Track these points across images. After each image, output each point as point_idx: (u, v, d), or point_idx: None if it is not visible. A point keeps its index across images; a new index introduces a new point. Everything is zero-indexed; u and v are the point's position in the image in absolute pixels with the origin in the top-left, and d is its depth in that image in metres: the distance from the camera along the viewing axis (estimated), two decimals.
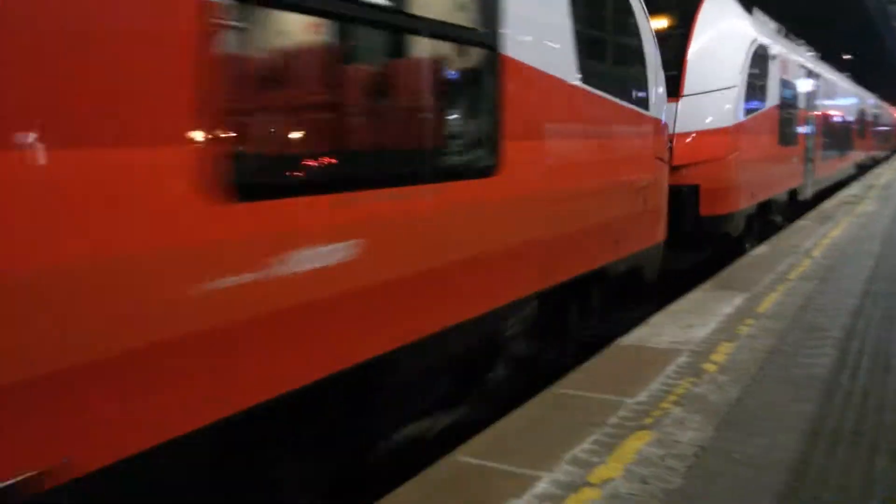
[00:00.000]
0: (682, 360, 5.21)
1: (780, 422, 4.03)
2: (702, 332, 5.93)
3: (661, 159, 7.02)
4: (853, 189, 20.98)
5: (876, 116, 32.88)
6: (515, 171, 4.34)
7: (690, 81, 9.59)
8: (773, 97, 11.93)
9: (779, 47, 12.89)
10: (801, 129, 14.52)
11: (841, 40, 35.02)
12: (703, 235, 9.54)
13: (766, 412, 4.19)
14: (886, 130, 39.57)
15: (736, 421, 4.08)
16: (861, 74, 32.25)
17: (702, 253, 10.02)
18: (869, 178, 25.84)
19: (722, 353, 5.33)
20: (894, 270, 8.28)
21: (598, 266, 5.65)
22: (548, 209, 4.85)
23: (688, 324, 6.19)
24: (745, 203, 10.23)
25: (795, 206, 14.39)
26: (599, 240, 5.70)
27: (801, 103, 14.61)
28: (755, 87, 10.82)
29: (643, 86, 6.57)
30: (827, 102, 18.54)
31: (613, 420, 4.13)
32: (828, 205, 16.46)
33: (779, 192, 12.76)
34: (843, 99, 21.98)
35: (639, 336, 5.89)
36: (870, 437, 3.81)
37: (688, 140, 9.39)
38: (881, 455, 3.59)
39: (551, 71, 4.83)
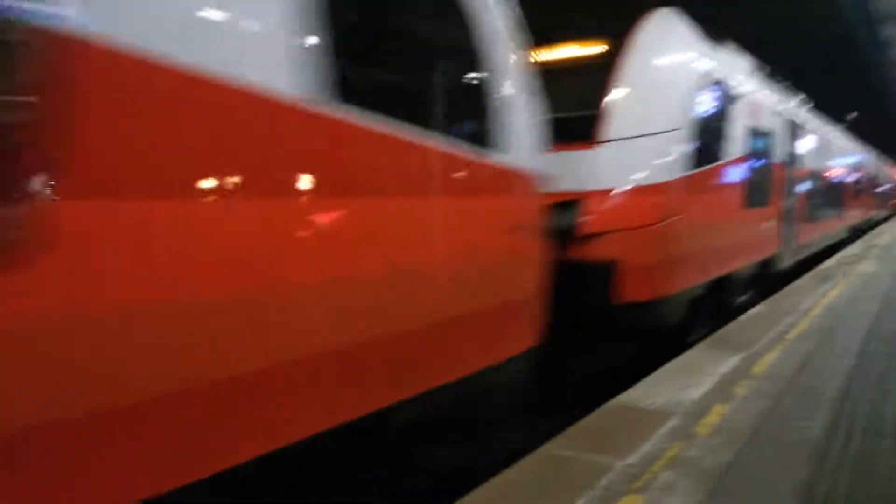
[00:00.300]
0: (674, 422, 5.19)
1: (772, 488, 4.01)
2: (696, 392, 5.91)
3: (524, 227, 4.83)
4: (853, 248, 21.05)
5: (874, 175, 31.03)
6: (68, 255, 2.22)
7: (616, 123, 7.34)
8: (735, 147, 9.62)
9: (750, 86, 10.77)
10: (779, 188, 12.63)
11: (845, 98, 35.26)
12: (622, 327, 7.45)
13: (759, 478, 4.16)
14: (885, 190, 38.02)
15: (728, 486, 4.05)
16: (864, 133, 32.48)
17: (632, 344, 8.21)
18: (869, 238, 25.92)
19: (716, 415, 5.30)
20: (891, 331, 8.27)
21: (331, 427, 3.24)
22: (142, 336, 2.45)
23: (683, 384, 6.17)
24: (686, 283, 8.03)
25: (774, 277, 12.75)
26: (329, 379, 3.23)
27: (779, 157, 12.56)
28: (710, 133, 8.50)
29: (482, 116, 4.40)
30: (814, 157, 16.70)
31: (603, 482, 4.11)
32: (827, 264, 16.51)
33: (742, 264, 10.44)
34: (834, 154, 20.05)
35: (633, 396, 5.87)
36: (860, 503, 3.78)
37: (607, 200, 7.13)
38: None
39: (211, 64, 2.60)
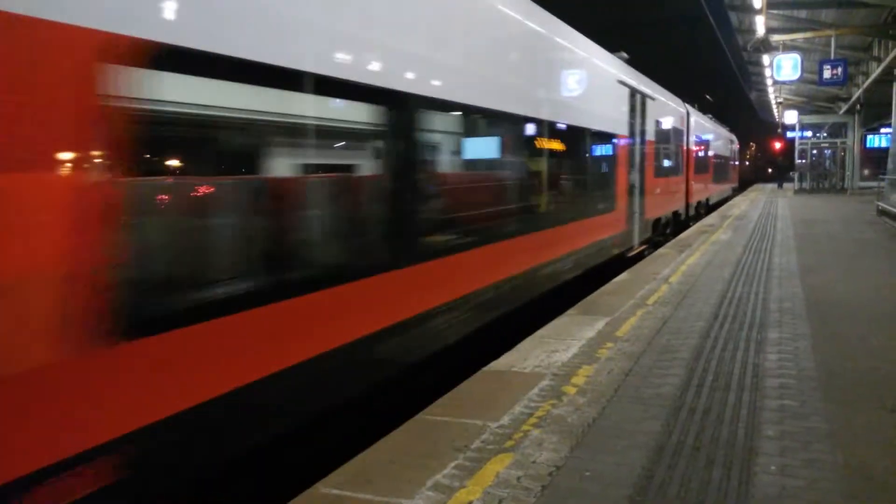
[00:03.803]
0: (544, 383, 5.43)
1: (630, 440, 4.29)
2: (565, 355, 6.20)
3: None
4: (710, 219, 22.57)
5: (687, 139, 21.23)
6: None
7: None
8: None
9: None
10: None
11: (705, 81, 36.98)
12: None
13: (618, 431, 4.44)
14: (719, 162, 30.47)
15: (590, 440, 4.30)
16: (722, 114, 34.33)
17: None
18: (724, 209, 27.82)
19: (582, 376, 5.59)
20: (742, 295, 8.97)
21: None
22: None
23: (552, 348, 6.46)
24: None
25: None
26: None
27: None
28: None
29: None
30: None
31: (476, 444, 4.26)
32: (687, 233, 17.63)
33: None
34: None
35: (506, 361, 6.09)
36: (707, 450, 4.12)
37: None
38: (716, 466, 3.89)
39: None
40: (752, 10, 20.31)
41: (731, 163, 39.01)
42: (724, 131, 34.28)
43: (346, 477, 3.83)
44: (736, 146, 34.96)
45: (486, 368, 5.93)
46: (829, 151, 41.84)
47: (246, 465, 4.09)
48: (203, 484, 3.74)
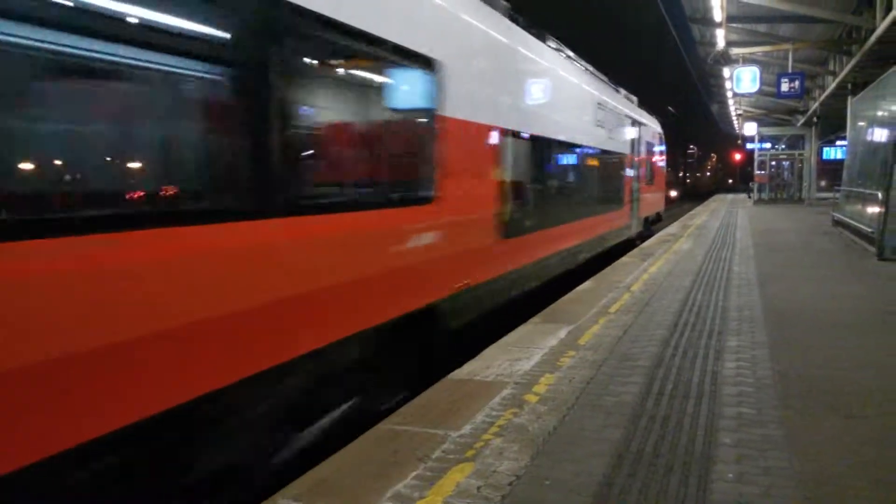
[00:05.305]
0: (506, 392, 5.43)
1: (590, 447, 4.31)
2: (527, 364, 6.21)
3: None
4: (671, 228, 22.88)
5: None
6: None
7: None
8: None
9: None
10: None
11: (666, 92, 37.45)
12: None
13: (579, 439, 4.46)
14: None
15: (551, 449, 4.30)
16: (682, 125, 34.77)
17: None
18: (685, 219, 28.23)
19: (544, 385, 5.60)
20: (701, 303, 9.09)
21: None
22: None
23: (515, 357, 6.46)
24: None
25: None
26: None
27: None
28: None
29: None
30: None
31: (437, 454, 4.23)
32: (649, 243, 17.86)
33: None
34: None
35: (469, 370, 6.07)
36: (666, 458, 4.14)
37: None
38: (675, 474, 3.92)
39: None
40: (712, 24, 20.69)
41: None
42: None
43: (306, 487, 3.78)
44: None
45: (449, 377, 5.90)
46: (788, 163, 42.78)
47: (205, 478, 4.00)
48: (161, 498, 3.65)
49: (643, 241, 19.16)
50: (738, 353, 6.51)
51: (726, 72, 25.78)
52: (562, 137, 11.02)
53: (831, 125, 35.33)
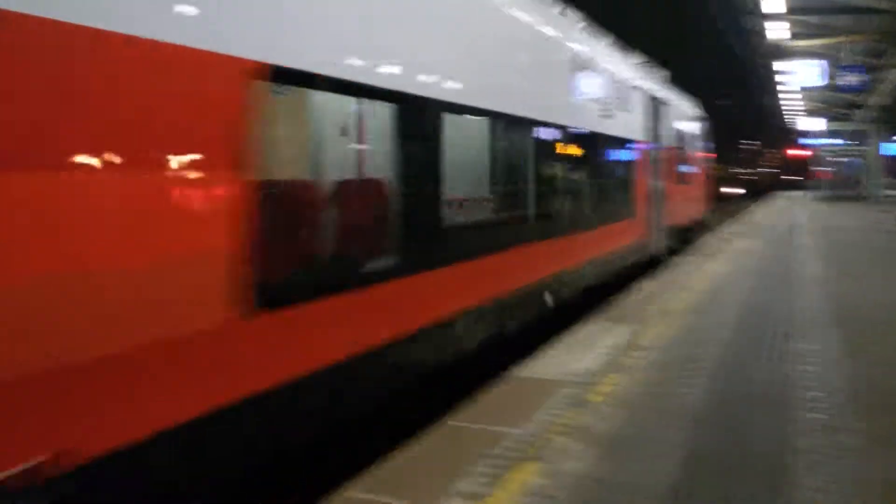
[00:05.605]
0: (569, 390, 5.41)
1: (655, 449, 4.26)
2: (590, 363, 6.17)
3: None
4: (731, 227, 22.38)
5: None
6: None
7: None
8: None
9: None
10: None
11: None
12: None
13: (643, 440, 4.41)
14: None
15: (616, 449, 4.28)
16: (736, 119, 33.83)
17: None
18: (743, 216, 27.57)
19: (608, 385, 5.56)
20: (763, 302, 8.89)
21: None
22: None
23: (577, 356, 6.43)
24: None
25: None
26: None
27: None
28: None
29: None
30: None
31: (500, 451, 4.24)
32: (712, 240, 17.52)
33: None
34: None
35: (531, 368, 6.07)
36: (735, 462, 4.07)
37: None
38: (746, 480, 3.85)
39: None
40: (763, 16, 19.96)
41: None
42: None
43: (376, 480, 3.84)
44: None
45: (510, 374, 5.91)
46: (851, 159, 41.34)
47: (273, 468, 4.11)
48: (227, 485, 3.76)
49: (674, 254, 14.87)
50: (807, 356, 6.35)
51: (783, 65, 24.95)
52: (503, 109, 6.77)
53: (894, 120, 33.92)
